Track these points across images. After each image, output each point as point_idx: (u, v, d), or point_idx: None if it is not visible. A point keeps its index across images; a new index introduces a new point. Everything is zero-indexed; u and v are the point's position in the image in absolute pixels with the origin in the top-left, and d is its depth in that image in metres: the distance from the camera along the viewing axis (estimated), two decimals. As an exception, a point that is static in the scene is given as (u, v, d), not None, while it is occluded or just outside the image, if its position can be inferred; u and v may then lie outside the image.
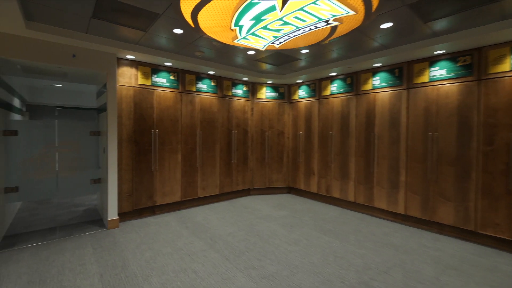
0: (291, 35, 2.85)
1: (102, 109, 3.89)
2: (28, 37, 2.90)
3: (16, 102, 4.46)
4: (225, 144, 5.02)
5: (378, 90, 4.12)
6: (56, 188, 3.64)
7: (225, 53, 3.84)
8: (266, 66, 4.63)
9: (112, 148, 3.57)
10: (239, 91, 5.25)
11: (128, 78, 3.81)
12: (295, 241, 3.21)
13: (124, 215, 3.86)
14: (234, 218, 4.04)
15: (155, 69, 4.07)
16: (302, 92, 5.41)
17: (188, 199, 4.54)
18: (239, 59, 4.18)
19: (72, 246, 3.00)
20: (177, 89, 4.33)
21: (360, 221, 3.96)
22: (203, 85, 4.67)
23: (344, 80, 4.61)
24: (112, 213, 3.59)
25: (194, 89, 4.56)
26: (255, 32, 2.74)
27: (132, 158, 3.88)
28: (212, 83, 4.81)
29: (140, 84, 3.92)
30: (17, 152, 3.38)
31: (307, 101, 5.28)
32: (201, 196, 4.70)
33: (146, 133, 4.00)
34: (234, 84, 5.17)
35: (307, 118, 5.27)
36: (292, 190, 5.71)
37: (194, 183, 4.59)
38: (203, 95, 4.67)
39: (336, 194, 4.72)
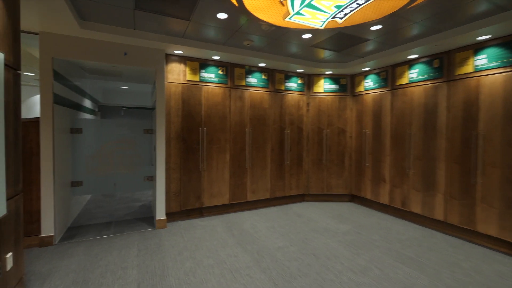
0: (360, 1, 2.17)
1: (154, 107, 3.89)
2: (83, 37, 2.98)
3: (87, 103, 4.91)
4: (277, 143, 4.54)
5: (484, 73, 3.01)
6: (114, 184, 3.78)
7: (276, 39, 3.35)
8: (324, 54, 3.96)
9: (161, 146, 3.49)
10: (293, 84, 4.70)
11: (177, 74, 3.69)
12: (363, 269, 2.51)
13: (172, 215, 3.77)
14: (286, 229, 3.53)
15: (203, 64, 3.87)
16: (369, 83, 4.51)
17: (236, 202, 4.23)
18: (293, 47, 3.64)
19: (120, 245, 2.98)
20: (226, 84, 4.06)
21: (455, 249, 2.95)
22: (253, 79, 4.30)
23: (429, 63, 3.59)
24: (160, 213, 3.51)
25: (244, 84, 4.21)
26: (312, 3, 2.17)
27: (180, 157, 3.76)
28: (263, 77, 4.39)
29: (188, 80, 3.77)
30: (81, 149, 3.60)
31: (376, 93, 4.37)
32: (250, 199, 4.34)
33: (194, 131, 3.83)
34: (288, 77, 4.64)
35: (376, 113, 4.36)
36: (355, 198, 4.86)
37: (243, 185, 4.26)
38: (253, 90, 4.30)
39: (416, 208, 3.72)
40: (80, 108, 4.26)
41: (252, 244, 3.05)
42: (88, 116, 4.92)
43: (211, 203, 4.01)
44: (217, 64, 3.98)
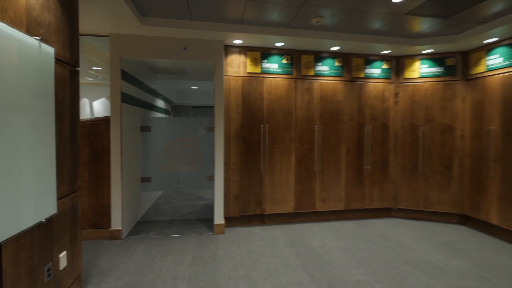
0: None
1: (215, 105, 3.72)
2: (145, 35, 2.98)
3: (160, 103, 5.22)
4: (353, 144, 3.72)
5: None
6: (178, 181, 3.77)
7: (354, 11, 2.62)
8: (422, 24, 2.95)
9: (219, 145, 3.24)
10: (375, 70, 3.77)
11: (237, 67, 3.39)
12: None
13: (231, 220, 3.49)
14: (367, 254, 2.73)
15: (265, 54, 3.45)
16: (495, 60, 3.18)
17: (302, 211, 3.64)
18: (377, 19, 2.81)
19: (177, 248, 2.84)
20: (291, 74, 3.53)
21: None
22: (323, 67, 3.62)
23: None
24: (218, 217, 3.26)
25: (312, 73, 3.59)
26: None
27: (240, 157, 3.44)
28: (336, 63, 3.66)
29: (249, 73, 3.42)
30: (150, 146, 3.71)
31: (509, 74, 3.02)
32: (320, 210, 3.67)
33: (255, 129, 3.46)
34: (368, 61, 3.75)
35: (508, 103, 3.01)
36: (468, 221, 3.54)
37: (311, 192, 3.63)
38: (323, 80, 3.62)
39: None
40: (152, 107, 4.50)
41: (321, 270, 2.41)
42: (161, 115, 5.22)
43: (273, 211, 3.55)
44: (281, 52, 3.49)
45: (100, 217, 3.02)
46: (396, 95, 3.82)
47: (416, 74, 3.73)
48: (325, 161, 3.65)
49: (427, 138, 3.65)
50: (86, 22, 2.65)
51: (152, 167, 3.73)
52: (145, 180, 3.73)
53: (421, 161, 3.67)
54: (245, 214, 3.49)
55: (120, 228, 3.03)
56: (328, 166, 3.66)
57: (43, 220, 1.54)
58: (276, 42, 3.27)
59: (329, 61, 3.63)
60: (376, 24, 2.97)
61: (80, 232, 2.03)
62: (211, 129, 3.76)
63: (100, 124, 2.95)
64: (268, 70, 3.46)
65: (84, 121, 2.92)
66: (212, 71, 3.66)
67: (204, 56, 3.14)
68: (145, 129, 3.69)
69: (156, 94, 4.80)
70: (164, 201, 4.70)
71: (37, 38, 1.47)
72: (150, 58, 3.02)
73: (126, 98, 3.13)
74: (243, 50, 3.40)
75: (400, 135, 3.79)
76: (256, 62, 3.42)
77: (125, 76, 3.11)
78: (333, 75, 3.64)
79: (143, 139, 3.69)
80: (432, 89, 3.65)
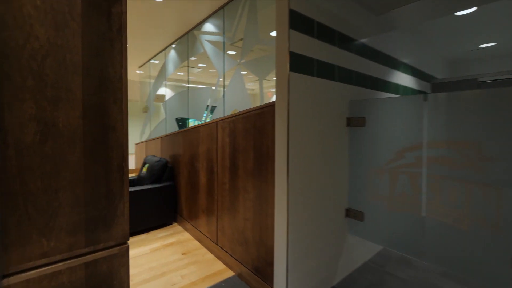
0: None
1: None
2: None
3: (403, 79, 3.05)
4: None
5: None
6: (422, 240, 1.68)
7: None
8: None
9: None
10: None
11: None
12: None
13: None
14: None
15: None
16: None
17: None
18: None
19: None
20: None
21: None
22: None
23: None
24: None
25: None
26: None
27: None
28: None
29: None
30: (363, 154, 2.00)
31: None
32: None
33: None
34: None
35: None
36: None
37: None
38: None
39: None
40: (381, 86, 2.59)
41: None
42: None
43: None
44: None
45: (263, 263, 1.91)
46: None
47: None
48: None
49: None
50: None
51: (366, 195, 1.99)
52: (352, 214, 2.08)
53: None
54: None
55: (284, 298, 1.69)
56: None
57: None
58: None
59: None
60: None
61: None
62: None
63: (265, 114, 1.84)
64: None
65: (248, 111, 1.99)
66: None
67: None
68: (355, 122, 2.04)
69: (393, 64, 2.82)
70: (392, 265, 2.55)
71: None
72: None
73: (305, 65, 1.73)
74: None
75: None
76: None
77: (303, 24, 1.71)
78: None
79: (351, 141, 2.07)
80: None
